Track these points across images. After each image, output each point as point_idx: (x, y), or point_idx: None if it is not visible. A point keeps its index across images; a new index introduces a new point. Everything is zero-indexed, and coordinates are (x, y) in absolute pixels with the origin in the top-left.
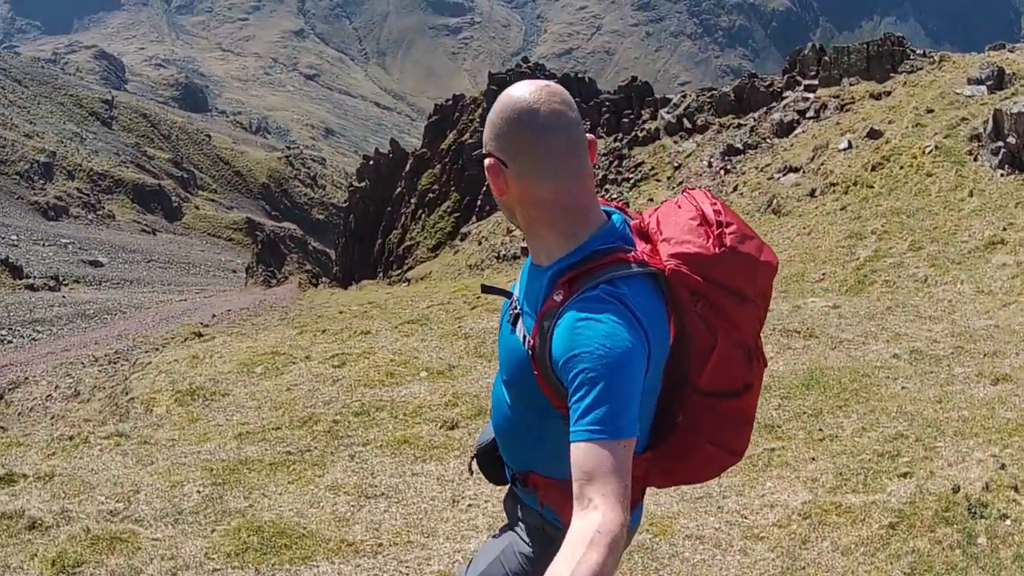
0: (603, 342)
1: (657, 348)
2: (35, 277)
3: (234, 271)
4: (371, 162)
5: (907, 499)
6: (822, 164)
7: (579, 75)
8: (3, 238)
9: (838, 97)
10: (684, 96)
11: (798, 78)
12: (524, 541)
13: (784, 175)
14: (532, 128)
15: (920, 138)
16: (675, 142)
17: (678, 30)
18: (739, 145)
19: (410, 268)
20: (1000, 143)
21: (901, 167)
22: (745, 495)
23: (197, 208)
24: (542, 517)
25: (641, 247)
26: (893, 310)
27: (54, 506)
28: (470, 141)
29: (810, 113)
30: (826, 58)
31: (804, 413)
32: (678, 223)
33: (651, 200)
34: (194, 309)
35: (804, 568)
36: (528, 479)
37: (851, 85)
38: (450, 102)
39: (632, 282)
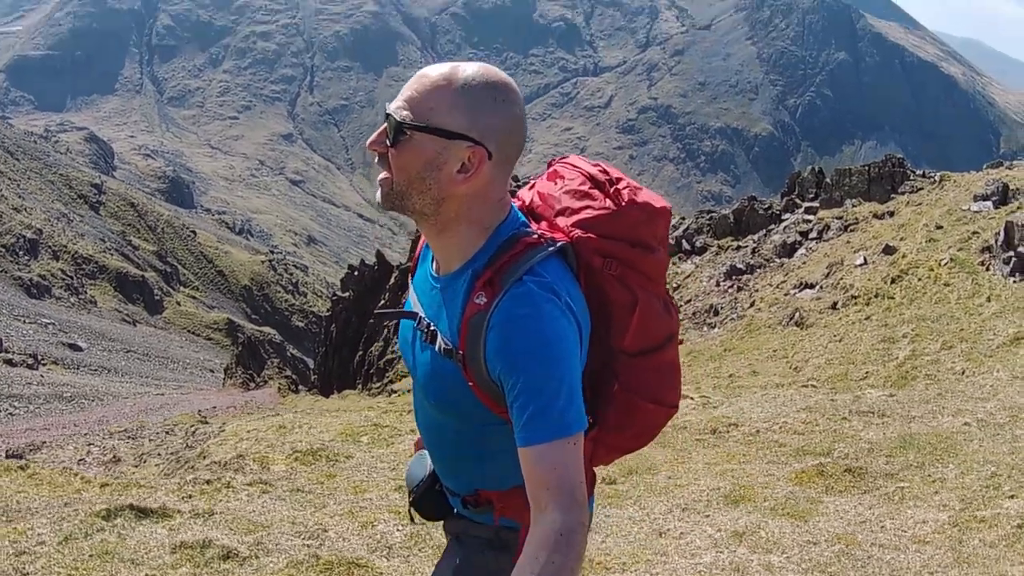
0: (540, 338)
1: (584, 328)
2: (14, 352)
3: (212, 371)
4: (356, 273)
5: (1020, 511)
6: (840, 279)
7: None
8: None
9: (841, 218)
10: (683, 218)
11: (797, 200)
12: (480, 555)
13: (800, 291)
14: (514, 112)
15: (934, 252)
16: (673, 263)
17: (661, 154)
18: (741, 266)
19: (391, 382)
20: (1011, 253)
21: (919, 279)
22: (897, 519)
23: (179, 304)
24: (497, 529)
25: (535, 226)
26: (944, 395)
27: (245, 538)
28: None
29: (812, 234)
30: (827, 180)
31: (911, 465)
32: (567, 192)
33: None
34: (173, 404)
35: (967, 556)
36: (479, 498)
37: (854, 206)
38: None
39: (548, 265)
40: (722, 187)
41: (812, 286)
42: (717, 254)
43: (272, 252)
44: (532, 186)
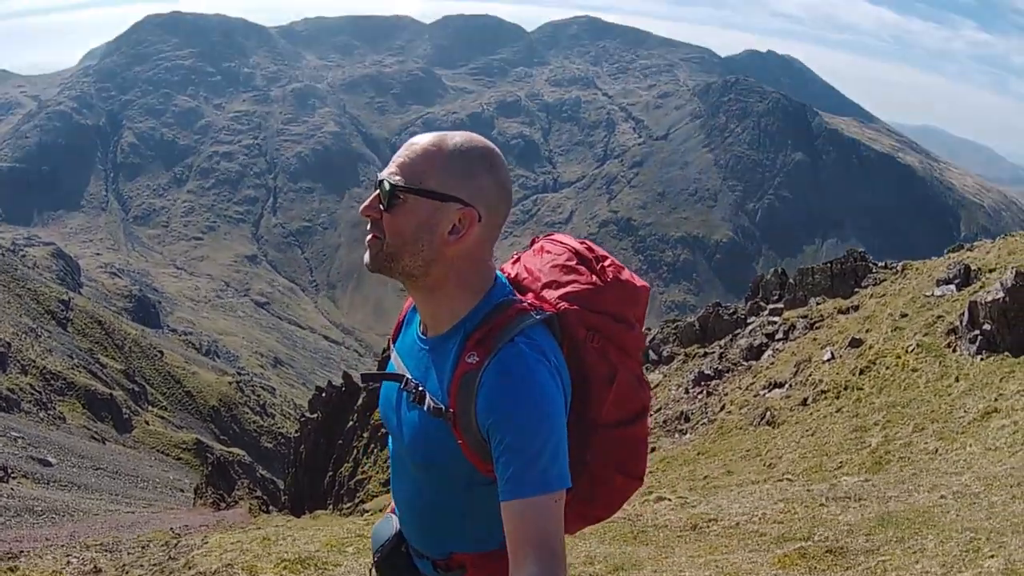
0: (529, 397)
1: (567, 394)
2: None
3: (181, 490)
4: (323, 394)
5: (1001, 568)
6: (809, 376)
7: None
8: None
9: (806, 317)
10: (649, 329)
11: (762, 303)
12: None
13: (770, 391)
14: (501, 175)
15: (901, 340)
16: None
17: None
18: (709, 371)
19: (363, 501)
20: (976, 331)
21: (887, 367)
22: None
23: (147, 423)
24: None
25: (522, 297)
26: (918, 474)
27: None
28: None
29: (779, 335)
30: (790, 281)
31: (891, 540)
32: (554, 266)
33: None
34: (144, 522)
35: None
36: (452, 562)
37: (818, 304)
38: None
39: (536, 331)
40: (685, 296)
41: (781, 385)
42: (684, 362)
43: (239, 373)
44: (516, 260)
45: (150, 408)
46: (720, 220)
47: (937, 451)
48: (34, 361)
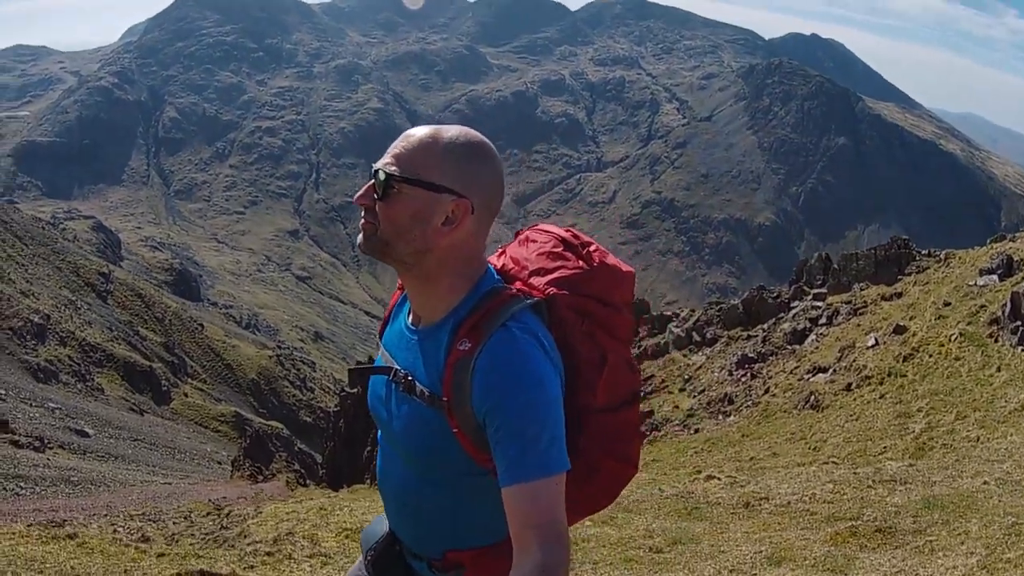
0: (525, 380)
1: (562, 376)
2: (20, 435)
3: (219, 463)
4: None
5: None
6: (853, 361)
7: None
8: None
9: (850, 302)
10: (692, 310)
11: (805, 288)
12: None
13: (814, 375)
14: (496, 169)
15: (944, 328)
16: (684, 355)
17: (666, 248)
18: (753, 355)
19: None
20: (1019, 322)
21: (930, 355)
22: (929, 567)
23: (186, 396)
24: None
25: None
26: (961, 461)
27: None
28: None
29: (822, 320)
30: (834, 266)
31: (936, 522)
32: (540, 253)
33: (676, 407)
34: (181, 493)
35: None
36: (447, 560)
37: (862, 290)
38: None
39: (526, 316)
40: (727, 279)
41: (825, 370)
42: (728, 344)
43: (279, 347)
44: (502, 252)
45: (189, 381)
46: (763, 203)
47: (979, 439)
48: (73, 333)
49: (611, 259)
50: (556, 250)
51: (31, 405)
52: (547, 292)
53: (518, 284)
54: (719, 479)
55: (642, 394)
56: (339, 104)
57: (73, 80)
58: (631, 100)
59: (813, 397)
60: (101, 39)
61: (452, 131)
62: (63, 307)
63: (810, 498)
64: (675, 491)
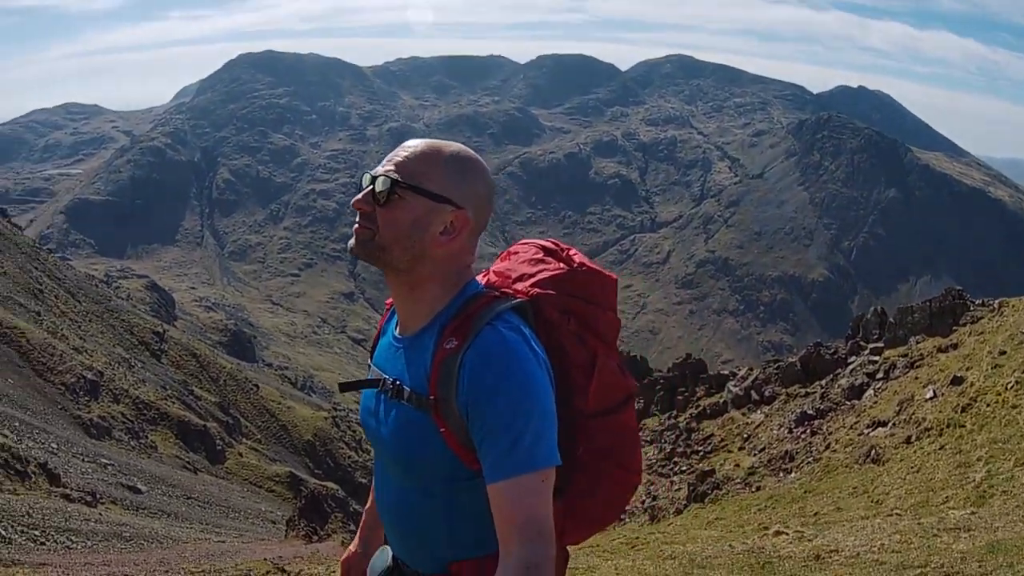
0: (510, 376)
1: (551, 376)
2: (72, 488)
3: (273, 522)
4: None
5: None
6: (912, 414)
7: (631, 354)
8: (43, 444)
9: (907, 355)
10: (751, 369)
11: (862, 343)
12: None
13: (874, 429)
14: (490, 184)
15: (1001, 377)
16: (743, 414)
17: (721, 307)
18: (811, 411)
19: None
20: None
21: (988, 404)
22: None
23: (240, 455)
24: None
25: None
26: (1022, 507)
27: None
28: None
29: (879, 374)
30: (890, 320)
31: (1002, 566)
32: (522, 262)
33: (737, 465)
34: (235, 552)
35: None
36: (450, 574)
37: (918, 343)
38: None
39: (512, 315)
40: (783, 336)
41: (885, 423)
42: (786, 402)
43: (335, 409)
44: (486, 273)
45: (244, 440)
46: (816, 259)
47: None
48: (127, 391)
49: (592, 263)
50: (537, 256)
51: (83, 460)
52: (531, 293)
53: (503, 291)
54: (787, 534)
55: (701, 452)
56: None
57: (125, 139)
58: (683, 159)
59: (873, 451)
60: (153, 99)
61: (452, 146)
62: (117, 364)
63: (878, 548)
64: (745, 547)
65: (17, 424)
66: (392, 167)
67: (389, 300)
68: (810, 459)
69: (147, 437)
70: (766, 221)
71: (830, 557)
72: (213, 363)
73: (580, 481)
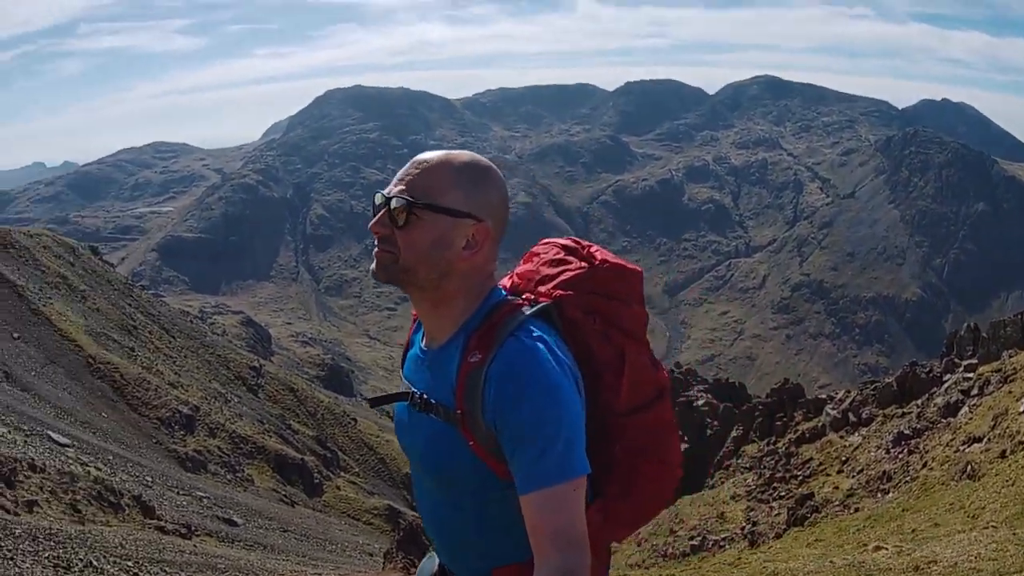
0: (536, 386)
1: (579, 382)
2: (167, 521)
3: (370, 555)
4: None
5: None
6: (1006, 428)
7: (729, 381)
8: (137, 476)
9: (1000, 371)
10: (848, 391)
11: (956, 360)
12: None
13: (969, 445)
14: (504, 190)
15: None
16: (841, 437)
17: (817, 331)
18: (908, 431)
19: None
20: None
21: None
22: None
23: (338, 488)
24: None
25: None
26: None
27: None
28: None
29: (974, 390)
30: (983, 335)
31: None
32: (544, 263)
33: (836, 488)
34: None
35: None
36: None
37: (1010, 357)
38: None
39: (535, 323)
40: (878, 358)
41: (980, 439)
42: (883, 423)
43: None
44: (510, 276)
45: (341, 474)
46: (909, 278)
47: None
48: (223, 425)
49: (614, 258)
50: (558, 256)
51: (178, 493)
52: (554, 296)
53: (526, 295)
54: (886, 549)
55: (800, 476)
56: None
57: (216, 177)
58: (775, 182)
59: (969, 467)
60: (242, 137)
61: (463, 156)
62: (212, 399)
63: (975, 558)
64: (845, 562)
65: (111, 457)
66: (405, 187)
67: (416, 311)
68: (907, 478)
69: (243, 471)
70: (859, 241)
71: (929, 568)
72: (310, 397)
73: (618, 480)
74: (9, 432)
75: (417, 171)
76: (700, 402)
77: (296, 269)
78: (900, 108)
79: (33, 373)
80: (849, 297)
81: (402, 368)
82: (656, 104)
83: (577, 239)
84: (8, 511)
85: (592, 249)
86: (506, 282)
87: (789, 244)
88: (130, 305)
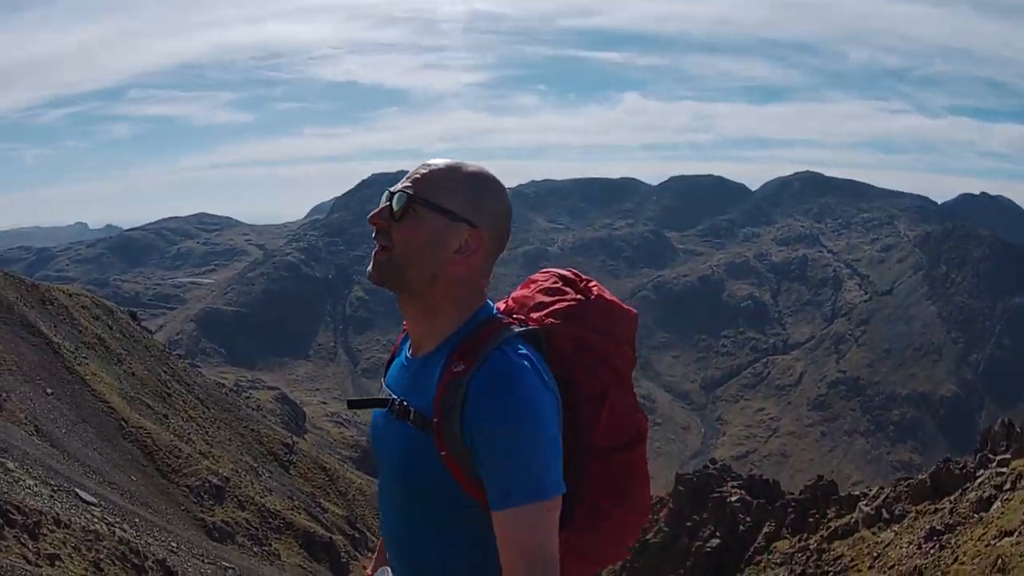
0: (517, 402)
1: (559, 405)
2: None
3: None
4: None
5: None
6: None
7: (763, 477)
8: (163, 541)
9: None
10: (881, 488)
11: (990, 455)
12: None
13: (1000, 539)
14: (507, 206)
15: None
16: (873, 533)
17: (852, 428)
18: (940, 527)
19: None
20: None
21: None
22: None
23: (364, 568)
24: None
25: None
26: None
27: None
28: (653, 541)
29: (1007, 485)
30: (1016, 430)
31: None
32: (540, 290)
33: None
34: None
35: None
36: None
37: None
38: None
39: (521, 343)
40: (911, 455)
41: (1011, 533)
42: (916, 519)
43: None
44: (505, 300)
45: (369, 555)
46: (944, 375)
47: None
48: (252, 498)
49: (609, 295)
50: (555, 286)
51: (203, 561)
52: (545, 323)
53: (517, 317)
54: None
55: (831, 572)
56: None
57: (258, 253)
58: (814, 279)
59: (1000, 560)
60: (286, 214)
61: (471, 165)
62: (243, 472)
63: None
64: None
65: (137, 520)
66: (410, 183)
67: (405, 320)
68: (938, 573)
69: (271, 544)
70: (895, 338)
71: None
72: (342, 477)
73: (584, 517)
74: (36, 485)
75: (425, 170)
76: (733, 498)
77: (334, 349)
78: (939, 203)
79: (64, 430)
80: (885, 394)
81: (384, 376)
82: (699, 199)
83: (576, 272)
84: (30, 562)
85: (590, 284)
86: (500, 305)
87: (827, 341)
88: (166, 372)
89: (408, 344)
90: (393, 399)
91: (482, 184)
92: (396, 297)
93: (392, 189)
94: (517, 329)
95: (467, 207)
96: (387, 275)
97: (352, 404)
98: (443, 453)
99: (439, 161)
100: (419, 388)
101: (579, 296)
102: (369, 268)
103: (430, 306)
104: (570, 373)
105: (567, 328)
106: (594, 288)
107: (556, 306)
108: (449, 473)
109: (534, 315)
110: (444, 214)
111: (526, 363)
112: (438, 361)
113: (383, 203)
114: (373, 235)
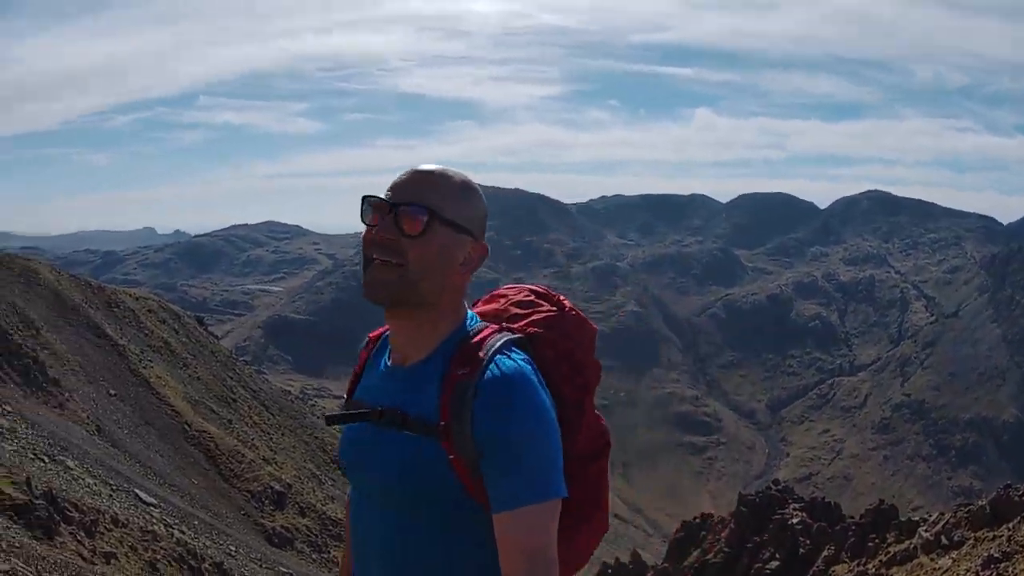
0: (527, 405)
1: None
2: None
3: None
4: (609, 570)
5: None
6: None
7: (825, 500)
8: (221, 545)
9: None
10: (942, 513)
11: None
12: None
13: None
14: (487, 214)
15: None
16: (931, 559)
17: (914, 452)
18: (998, 555)
19: None
20: None
21: None
22: None
23: None
24: None
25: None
26: None
27: None
28: (713, 560)
29: None
30: None
31: None
32: (513, 303)
33: None
34: None
35: None
36: None
37: None
38: (698, 519)
39: (516, 348)
40: (972, 480)
41: None
42: (974, 546)
43: None
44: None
45: None
46: (1007, 399)
47: None
48: (314, 505)
49: (577, 310)
50: (528, 299)
51: (261, 566)
52: (529, 331)
53: (503, 324)
54: None
55: None
56: (597, 306)
57: (328, 262)
58: (881, 300)
59: None
60: (355, 224)
61: (460, 173)
62: (306, 479)
63: None
64: None
65: (196, 523)
66: (410, 196)
67: (373, 334)
68: None
69: (330, 552)
70: (960, 361)
71: None
72: None
73: (569, 522)
74: (96, 484)
75: (423, 182)
76: (795, 520)
77: None
78: (1004, 223)
79: (125, 431)
80: (948, 418)
81: (348, 396)
82: (768, 217)
83: (546, 287)
84: (85, 559)
85: (560, 297)
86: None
87: (892, 363)
88: (231, 378)
89: (387, 355)
90: (380, 409)
91: (470, 192)
92: (385, 311)
93: (395, 200)
94: (509, 336)
95: (466, 218)
96: (398, 293)
97: (331, 420)
98: (451, 457)
99: (433, 169)
100: (416, 395)
101: (554, 308)
102: (369, 288)
103: (432, 318)
104: (551, 379)
105: (548, 337)
106: (565, 301)
107: (535, 316)
108: (454, 476)
109: (513, 325)
110: (453, 228)
111: (528, 367)
112: (435, 366)
113: (374, 214)
114: (368, 252)
